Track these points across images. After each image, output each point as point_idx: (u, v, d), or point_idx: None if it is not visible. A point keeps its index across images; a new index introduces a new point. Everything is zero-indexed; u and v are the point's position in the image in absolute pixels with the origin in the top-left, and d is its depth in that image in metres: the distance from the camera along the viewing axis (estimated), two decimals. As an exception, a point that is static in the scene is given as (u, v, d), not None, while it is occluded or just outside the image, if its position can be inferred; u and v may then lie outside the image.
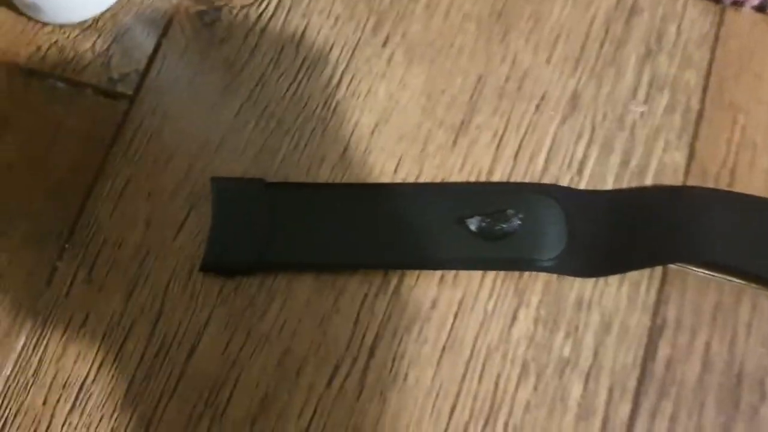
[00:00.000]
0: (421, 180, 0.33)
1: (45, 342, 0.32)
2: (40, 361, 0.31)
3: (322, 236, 0.32)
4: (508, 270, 0.32)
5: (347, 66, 0.35)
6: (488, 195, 0.33)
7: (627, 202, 0.33)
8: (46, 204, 0.34)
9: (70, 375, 0.31)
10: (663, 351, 0.31)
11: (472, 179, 0.33)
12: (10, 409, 0.31)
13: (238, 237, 0.32)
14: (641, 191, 0.33)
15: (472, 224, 0.32)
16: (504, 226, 0.31)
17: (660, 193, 0.33)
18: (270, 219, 0.32)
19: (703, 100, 0.34)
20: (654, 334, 0.31)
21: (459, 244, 0.32)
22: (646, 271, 0.32)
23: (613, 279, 0.32)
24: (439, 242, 0.32)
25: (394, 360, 0.31)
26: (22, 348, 0.32)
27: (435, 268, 0.32)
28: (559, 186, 0.33)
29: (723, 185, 0.33)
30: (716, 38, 0.35)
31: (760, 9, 0.35)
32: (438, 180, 0.33)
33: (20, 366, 0.31)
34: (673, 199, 0.33)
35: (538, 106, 0.34)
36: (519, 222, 0.31)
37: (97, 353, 0.31)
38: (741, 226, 0.32)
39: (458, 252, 0.32)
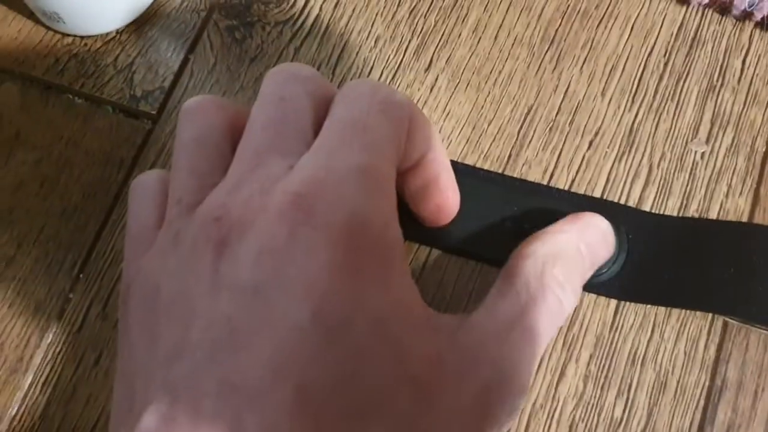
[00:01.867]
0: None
1: (54, 381, 0.29)
2: (48, 402, 0.29)
3: None
4: None
5: (387, 91, 0.33)
6: (548, 200, 0.31)
7: (697, 232, 0.30)
8: (59, 229, 0.31)
9: (79, 419, 0.29)
10: (722, 414, 0.29)
11: (519, 219, 0.31)
12: (14, 453, 0.29)
13: None
14: (715, 224, 0.31)
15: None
16: None
17: (733, 230, 0.30)
18: None
19: (769, 141, 0.32)
20: (713, 396, 0.29)
21: (501, 242, 0.29)
22: (705, 326, 0.30)
23: (670, 334, 0.29)
24: (482, 233, 0.30)
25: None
26: (29, 387, 0.29)
27: (465, 254, 0.30)
28: (622, 205, 0.31)
29: (790, 235, 0.30)
30: (784, 74, 0.33)
31: (832, 45, 0.33)
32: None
33: (27, 407, 0.29)
34: (748, 238, 0.30)
35: (591, 142, 0.32)
36: None
37: (109, 397, 0.29)
38: None
39: (497, 249, 0.29)
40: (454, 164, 0.30)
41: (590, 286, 0.29)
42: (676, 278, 0.30)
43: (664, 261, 0.30)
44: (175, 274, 0.21)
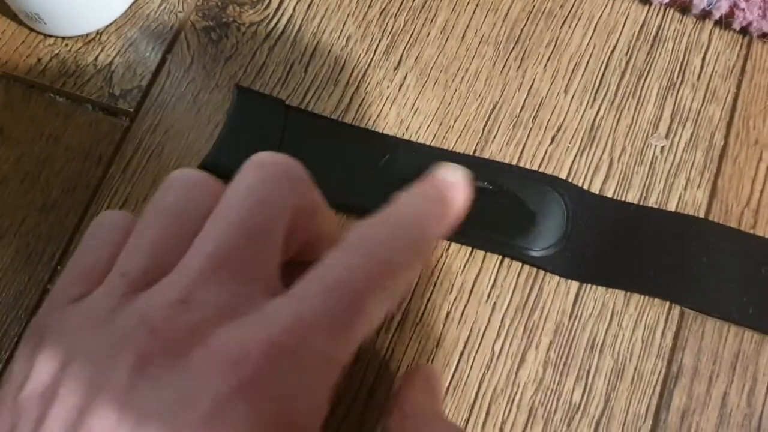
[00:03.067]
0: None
1: (32, 368, 0.30)
2: (26, 388, 0.30)
3: (327, 171, 0.32)
4: (494, 252, 0.31)
5: (357, 89, 0.34)
6: (496, 172, 0.32)
7: (638, 218, 0.31)
8: (39, 222, 0.33)
9: (55, 404, 0.30)
10: (678, 400, 0.29)
11: (483, 211, 0.32)
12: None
13: (244, 145, 0.33)
14: (655, 212, 0.32)
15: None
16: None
17: (676, 221, 0.31)
18: (280, 138, 0.33)
19: (727, 136, 0.33)
20: (669, 382, 0.30)
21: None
22: (662, 315, 0.30)
23: (628, 322, 0.30)
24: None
25: (395, 400, 0.29)
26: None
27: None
28: (569, 183, 0.32)
29: (746, 226, 0.31)
30: (743, 71, 0.34)
31: (789, 43, 0.34)
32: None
33: (5, 393, 0.30)
34: (689, 230, 0.31)
35: (554, 137, 0.33)
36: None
37: (85, 382, 0.30)
38: (755, 277, 0.30)
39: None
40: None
41: (529, 258, 0.31)
42: (616, 259, 0.31)
43: (605, 242, 0.31)
44: (92, 357, 0.19)
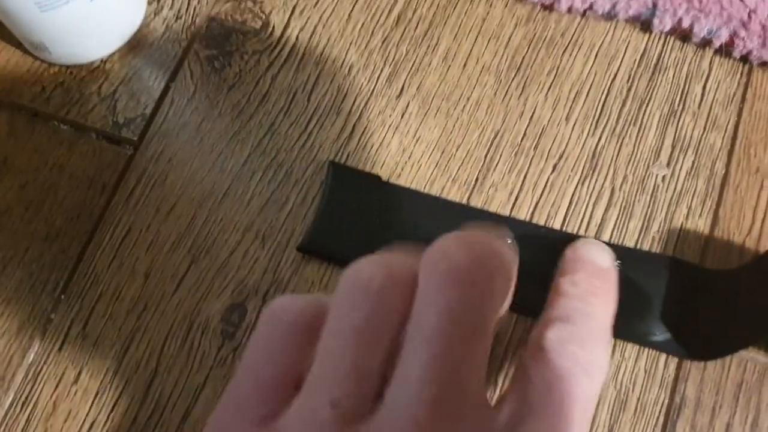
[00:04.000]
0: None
1: (35, 398, 0.30)
2: (29, 419, 0.30)
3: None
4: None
5: (360, 117, 0.34)
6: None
7: (736, 280, 0.31)
8: (42, 251, 0.33)
9: (58, 435, 0.30)
10: (681, 430, 0.29)
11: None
12: (-4, 468, 0.30)
13: (346, 225, 0.32)
14: (747, 270, 0.31)
15: None
16: None
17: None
18: (381, 216, 0.32)
19: (728, 164, 0.33)
20: (672, 413, 0.30)
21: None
22: (666, 344, 0.30)
23: (630, 353, 0.30)
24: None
25: None
26: (11, 405, 0.30)
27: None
28: (676, 258, 0.31)
29: (747, 255, 0.31)
30: (743, 99, 0.34)
31: (789, 71, 0.34)
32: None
33: (7, 424, 0.30)
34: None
35: (555, 166, 0.33)
36: None
37: (88, 413, 0.30)
38: None
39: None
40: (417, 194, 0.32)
41: (651, 343, 0.30)
42: (730, 326, 0.30)
43: (716, 312, 0.30)
44: None
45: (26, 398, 0.30)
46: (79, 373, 0.31)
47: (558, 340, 0.22)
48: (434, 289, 0.19)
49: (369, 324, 0.19)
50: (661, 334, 0.30)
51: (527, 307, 0.27)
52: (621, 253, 0.30)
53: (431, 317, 0.19)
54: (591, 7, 0.35)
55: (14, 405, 0.30)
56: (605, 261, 0.26)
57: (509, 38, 0.35)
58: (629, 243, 0.32)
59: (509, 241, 0.27)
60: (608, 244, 0.31)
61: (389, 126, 0.34)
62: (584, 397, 0.22)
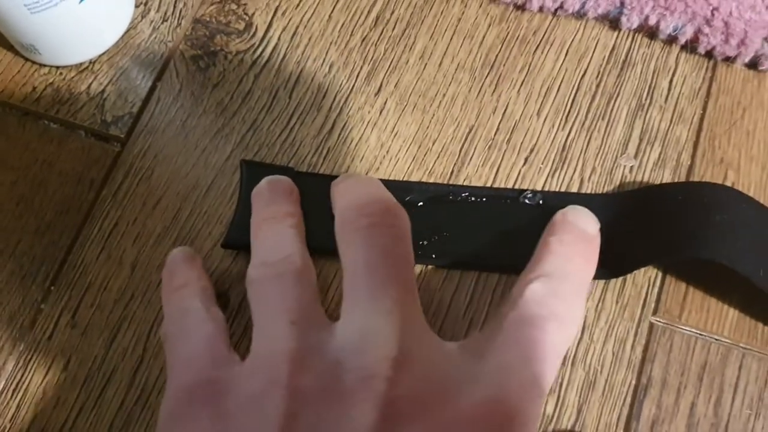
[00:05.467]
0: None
1: (25, 385, 0.32)
2: (19, 405, 0.31)
3: None
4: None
5: (339, 114, 0.36)
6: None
7: (628, 201, 0.33)
8: (33, 244, 0.34)
9: (48, 421, 0.31)
10: (648, 411, 0.31)
11: (460, 230, 0.33)
12: (-12, 452, 0.31)
13: None
14: (640, 191, 0.33)
15: None
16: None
17: (666, 191, 0.33)
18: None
19: (693, 156, 0.34)
20: (639, 393, 0.31)
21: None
22: (632, 328, 0.32)
23: (599, 336, 0.32)
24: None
25: None
26: (2, 392, 0.32)
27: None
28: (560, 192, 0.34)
29: (712, 243, 0.33)
30: (708, 93, 0.35)
31: (751, 65, 0.35)
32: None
33: (-1, 409, 0.31)
34: (680, 194, 0.32)
35: (527, 159, 0.34)
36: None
37: (77, 399, 0.31)
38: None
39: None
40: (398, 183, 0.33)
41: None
42: (628, 244, 0.31)
43: (611, 232, 0.31)
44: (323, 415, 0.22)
45: (17, 385, 0.32)
46: (68, 361, 0.32)
47: (539, 291, 0.26)
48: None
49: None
50: None
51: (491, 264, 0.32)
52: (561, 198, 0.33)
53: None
54: (561, 6, 0.36)
55: (5, 392, 0.32)
56: (592, 228, 0.30)
57: (483, 37, 0.37)
58: (598, 232, 0.33)
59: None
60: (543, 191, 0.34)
61: (368, 122, 0.35)
62: (553, 343, 0.25)
